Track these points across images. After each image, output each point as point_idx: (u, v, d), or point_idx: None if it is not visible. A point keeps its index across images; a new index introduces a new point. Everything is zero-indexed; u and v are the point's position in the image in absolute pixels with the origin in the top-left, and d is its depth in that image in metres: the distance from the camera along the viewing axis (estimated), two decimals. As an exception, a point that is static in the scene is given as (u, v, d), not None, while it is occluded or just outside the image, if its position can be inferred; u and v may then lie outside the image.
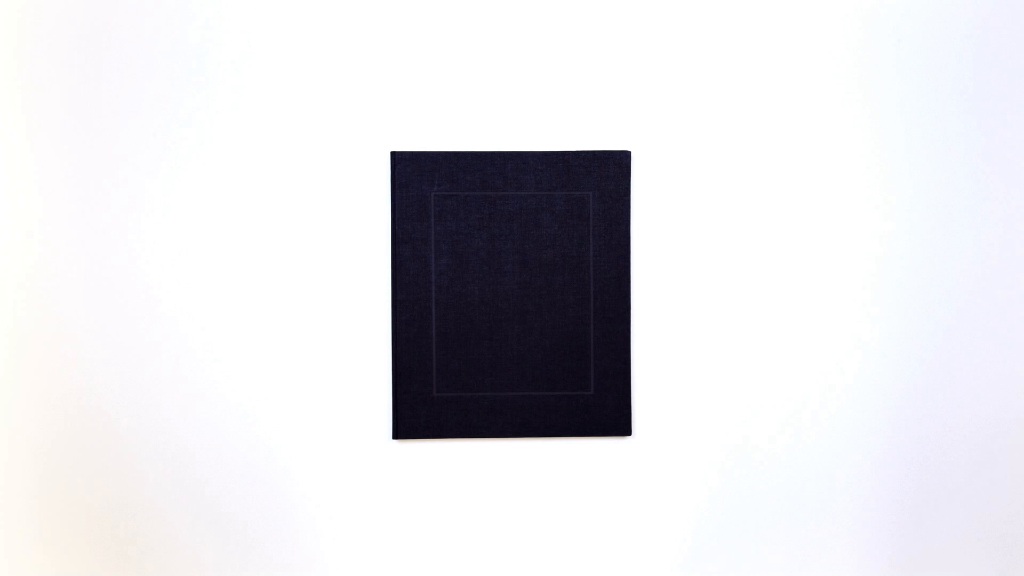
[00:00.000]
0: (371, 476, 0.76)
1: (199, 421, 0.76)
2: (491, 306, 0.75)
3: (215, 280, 0.76)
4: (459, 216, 0.74)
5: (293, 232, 0.76)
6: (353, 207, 0.76)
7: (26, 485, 0.76)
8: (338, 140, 0.76)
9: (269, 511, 0.76)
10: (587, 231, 0.75)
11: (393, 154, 0.75)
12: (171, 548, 0.76)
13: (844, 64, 0.76)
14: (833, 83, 0.76)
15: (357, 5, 0.75)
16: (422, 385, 0.74)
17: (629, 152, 0.75)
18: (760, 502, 0.76)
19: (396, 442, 0.76)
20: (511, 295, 0.75)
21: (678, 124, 0.76)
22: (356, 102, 0.76)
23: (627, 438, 0.76)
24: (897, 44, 0.76)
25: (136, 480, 0.76)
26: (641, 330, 0.76)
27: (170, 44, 0.75)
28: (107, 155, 0.75)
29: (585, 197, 0.75)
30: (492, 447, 0.76)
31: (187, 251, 0.76)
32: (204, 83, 0.75)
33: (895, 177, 0.76)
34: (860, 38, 0.76)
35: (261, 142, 0.76)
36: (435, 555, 0.77)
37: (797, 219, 0.76)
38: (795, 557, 0.77)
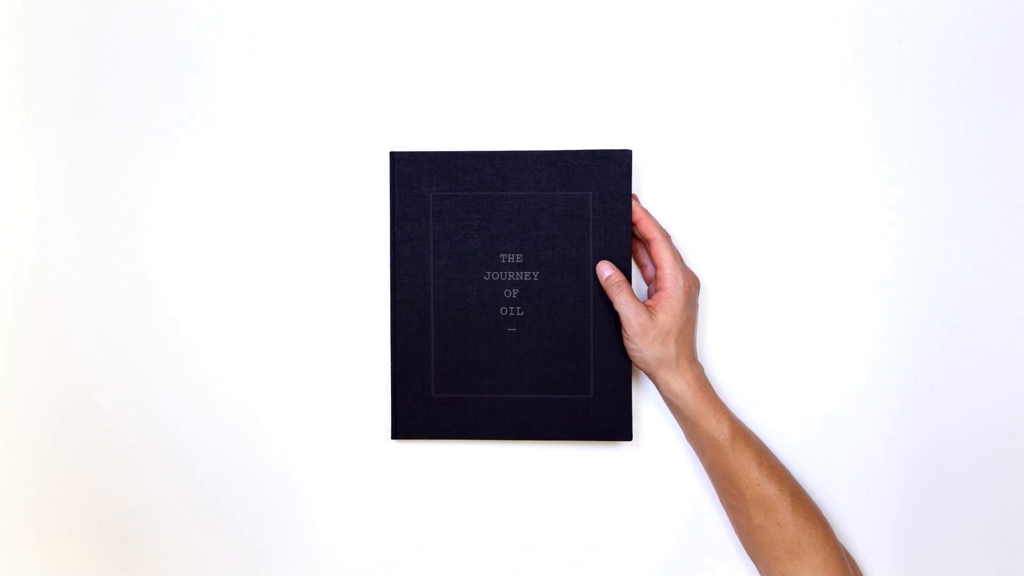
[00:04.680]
0: (369, 476, 0.76)
1: (197, 420, 0.76)
2: (489, 307, 0.74)
3: (213, 279, 0.76)
4: (458, 216, 0.74)
5: (293, 232, 0.76)
6: (352, 207, 0.76)
7: (24, 484, 0.77)
8: (337, 140, 0.76)
9: (268, 510, 0.77)
10: (587, 231, 0.74)
11: (392, 154, 0.74)
12: (167, 546, 0.77)
13: (845, 63, 0.75)
14: (834, 82, 0.75)
15: (355, 6, 0.75)
16: (420, 386, 0.74)
17: (630, 151, 0.75)
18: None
19: (395, 442, 0.76)
20: (510, 296, 0.74)
21: (679, 123, 0.75)
22: (355, 103, 0.76)
23: (627, 442, 0.76)
24: (898, 43, 0.75)
25: (133, 479, 0.77)
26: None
27: (169, 43, 0.76)
28: (106, 154, 0.76)
29: (585, 197, 0.74)
30: (490, 449, 0.76)
31: (185, 250, 0.76)
32: (203, 83, 0.76)
33: (897, 177, 0.75)
34: (860, 37, 0.75)
35: (260, 142, 0.76)
36: (433, 555, 0.77)
37: (797, 219, 0.75)
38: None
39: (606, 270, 0.72)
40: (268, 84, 0.76)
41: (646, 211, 0.73)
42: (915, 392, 0.76)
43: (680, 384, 0.70)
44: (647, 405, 0.76)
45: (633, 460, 0.76)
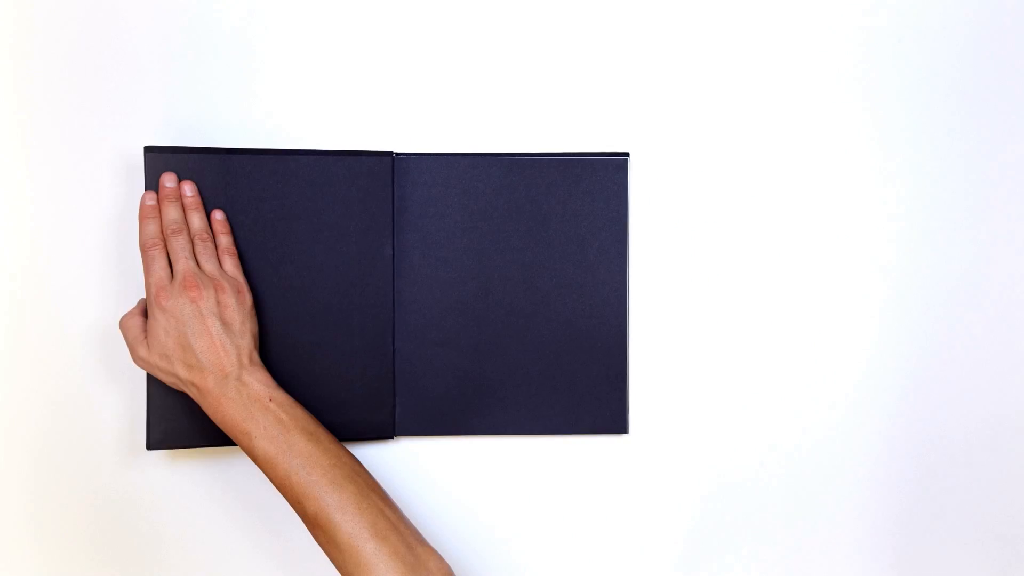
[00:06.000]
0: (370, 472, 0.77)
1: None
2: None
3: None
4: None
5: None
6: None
7: (21, 483, 0.76)
8: (338, 143, 0.76)
9: (267, 507, 0.76)
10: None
11: (393, 155, 0.75)
12: (164, 545, 0.76)
13: (844, 64, 0.76)
14: (833, 84, 0.76)
15: (353, 12, 0.76)
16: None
17: (627, 154, 0.76)
18: (759, 503, 0.77)
19: (392, 441, 0.76)
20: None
21: (677, 126, 0.76)
22: (355, 105, 0.76)
23: (623, 436, 0.77)
24: (897, 43, 0.76)
25: (129, 477, 0.76)
26: (639, 330, 0.77)
27: (169, 45, 0.75)
28: (104, 151, 0.75)
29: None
30: (488, 444, 0.77)
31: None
32: (201, 83, 0.75)
33: (895, 179, 0.76)
34: (860, 38, 0.76)
35: (259, 143, 0.76)
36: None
37: (796, 220, 0.77)
38: (794, 558, 0.77)
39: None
40: (268, 85, 0.76)
41: (166, 205, 0.70)
42: (914, 392, 0.77)
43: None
44: (643, 400, 0.77)
45: (631, 452, 0.77)
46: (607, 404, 0.76)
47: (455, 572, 0.75)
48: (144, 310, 0.70)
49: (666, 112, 0.76)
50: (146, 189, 0.72)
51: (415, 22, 0.76)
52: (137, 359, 0.68)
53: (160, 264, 0.69)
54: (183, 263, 0.68)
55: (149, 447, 0.72)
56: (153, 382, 0.72)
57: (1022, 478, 0.77)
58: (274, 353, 0.74)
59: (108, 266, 0.75)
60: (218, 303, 0.68)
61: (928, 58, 0.76)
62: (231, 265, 0.71)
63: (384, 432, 0.75)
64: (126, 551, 0.76)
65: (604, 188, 0.75)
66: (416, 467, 0.77)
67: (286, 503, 0.72)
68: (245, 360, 0.67)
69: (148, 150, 0.72)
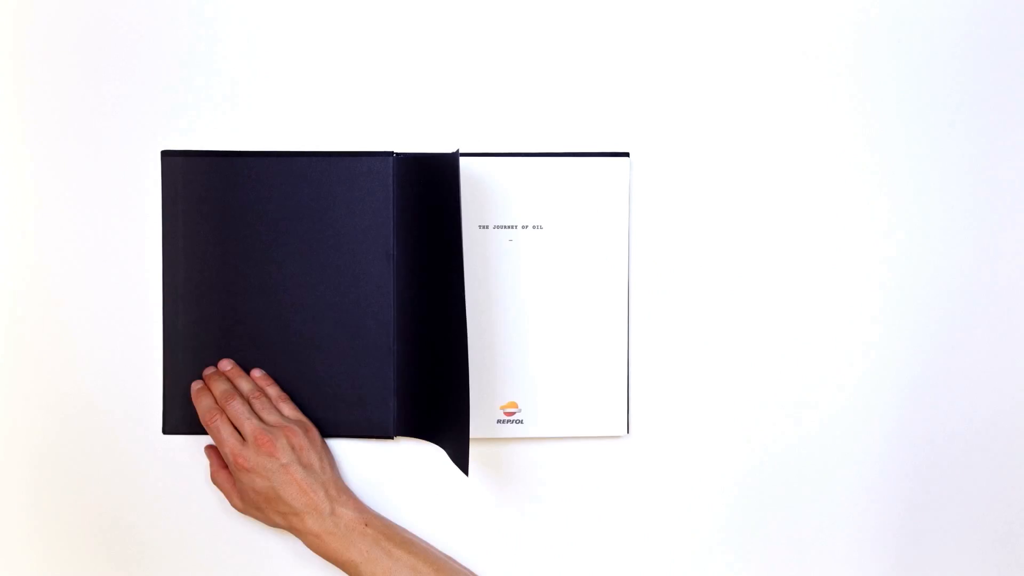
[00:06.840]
0: (370, 473, 0.77)
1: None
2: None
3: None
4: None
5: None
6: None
7: (23, 485, 0.76)
8: (339, 144, 0.76)
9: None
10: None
11: (393, 155, 0.75)
12: (167, 547, 0.77)
13: (844, 64, 0.76)
14: (833, 83, 0.76)
15: (353, 12, 0.76)
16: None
17: (627, 154, 0.76)
18: (759, 503, 0.77)
19: (392, 441, 0.77)
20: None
21: (677, 126, 0.76)
22: (355, 105, 0.76)
23: (623, 436, 0.77)
24: (897, 44, 0.76)
25: (132, 479, 0.76)
26: (639, 330, 0.77)
27: (170, 46, 0.76)
28: (105, 149, 0.76)
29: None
30: (489, 444, 0.77)
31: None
32: (202, 86, 0.76)
33: (895, 179, 0.77)
34: (859, 38, 0.76)
35: (259, 144, 0.76)
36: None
37: (796, 220, 0.77)
38: (794, 558, 0.77)
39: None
40: (269, 86, 0.76)
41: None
42: (915, 393, 0.77)
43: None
44: (644, 400, 0.77)
45: (631, 452, 0.77)
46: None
47: None
48: (220, 461, 0.73)
49: (666, 112, 0.76)
50: (162, 191, 0.75)
51: (415, 22, 0.76)
52: (235, 507, 0.73)
53: (227, 431, 0.71)
54: (248, 424, 0.71)
55: (165, 431, 0.75)
56: (169, 368, 0.75)
57: (1022, 479, 0.77)
58: (274, 352, 0.75)
59: (131, 259, 0.76)
60: (293, 448, 0.70)
61: (927, 57, 0.76)
62: (289, 410, 0.74)
63: (384, 432, 0.75)
64: (128, 552, 0.76)
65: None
66: (416, 467, 0.77)
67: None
68: (333, 492, 0.71)
69: (165, 154, 0.74)
